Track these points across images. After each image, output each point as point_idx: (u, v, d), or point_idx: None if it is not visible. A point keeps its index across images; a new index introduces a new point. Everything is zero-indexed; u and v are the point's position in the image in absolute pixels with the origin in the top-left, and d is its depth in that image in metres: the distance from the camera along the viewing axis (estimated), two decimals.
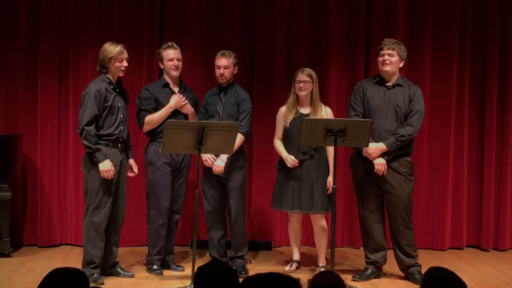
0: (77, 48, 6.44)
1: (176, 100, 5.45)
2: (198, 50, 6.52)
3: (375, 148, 5.22)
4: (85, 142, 5.07)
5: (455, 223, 6.72)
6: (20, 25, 6.39)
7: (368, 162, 5.30)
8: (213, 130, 4.92)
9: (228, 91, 5.60)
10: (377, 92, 5.35)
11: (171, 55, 5.50)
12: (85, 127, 5.05)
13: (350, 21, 6.65)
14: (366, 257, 5.52)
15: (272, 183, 6.55)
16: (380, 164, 5.23)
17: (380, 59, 5.35)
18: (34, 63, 6.42)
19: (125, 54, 5.22)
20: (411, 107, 5.29)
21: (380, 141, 5.24)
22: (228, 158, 5.43)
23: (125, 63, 5.21)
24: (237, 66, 5.68)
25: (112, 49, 5.16)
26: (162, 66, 5.59)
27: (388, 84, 5.35)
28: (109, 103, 5.16)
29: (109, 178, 5.10)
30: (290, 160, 5.45)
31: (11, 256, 5.99)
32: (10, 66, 6.42)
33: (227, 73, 5.57)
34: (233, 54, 5.62)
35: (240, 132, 5.34)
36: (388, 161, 5.27)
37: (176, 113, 5.48)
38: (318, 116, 5.44)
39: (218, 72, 5.59)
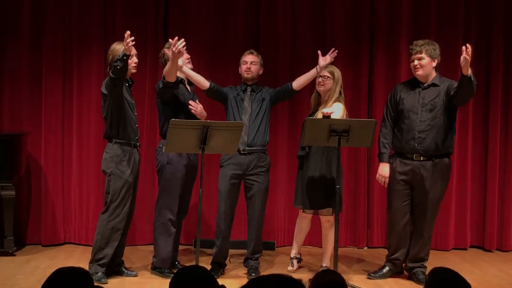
0: (81, 47, 6.45)
1: (175, 47, 5.02)
2: (202, 47, 6.51)
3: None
4: (118, 65, 4.89)
5: (458, 223, 6.71)
6: (24, 25, 6.40)
7: (405, 166, 5.29)
8: (217, 130, 4.92)
9: (255, 90, 5.58)
10: (412, 94, 5.31)
11: None
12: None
13: (355, 19, 6.64)
14: (388, 253, 5.51)
15: (276, 182, 6.58)
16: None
17: (411, 64, 5.32)
18: (38, 62, 6.43)
19: (134, 50, 5.20)
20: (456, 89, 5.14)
21: (414, 143, 5.22)
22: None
23: (135, 59, 5.24)
24: (262, 68, 5.68)
25: (120, 47, 5.12)
26: None
27: (424, 85, 5.31)
28: (129, 99, 5.21)
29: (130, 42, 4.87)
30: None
31: (14, 255, 6.00)
32: (14, 65, 6.43)
33: (254, 69, 5.57)
34: (260, 56, 5.66)
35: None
36: (424, 162, 5.24)
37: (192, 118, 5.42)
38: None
39: (244, 67, 5.57)
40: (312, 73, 5.48)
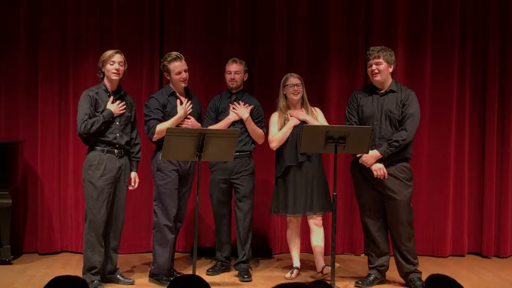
0: (77, 55, 6.45)
1: (183, 109, 5.45)
2: (198, 57, 6.53)
3: (369, 155, 5.22)
4: (92, 130, 5.12)
5: (456, 229, 6.71)
6: (20, 33, 6.40)
7: (366, 169, 5.30)
8: (213, 137, 4.93)
9: (240, 98, 5.73)
10: (371, 100, 5.35)
11: (179, 68, 5.46)
12: (82, 123, 5.13)
13: (350, 25, 6.67)
14: (369, 262, 5.52)
15: (272, 189, 6.56)
16: (378, 169, 5.23)
17: (369, 69, 5.36)
18: (34, 70, 6.43)
19: (118, 58, 5.25)
20: (404, 112, 5.25)
21: (375, 149, 5.24)
22: None
23: (116, 66, 5.23)
24: (247, 74, 5.79)
25: (106, 53, 5.28)
26: (168, 78, 5.53)
27: (381, 92, 5.34)
28: (101, 109, 5.21)
29: (121, 109, 5.24)
30: (295, 118, 5.54)
31: (11, 264, 5.98)
32: (10, 73, 6.43)
33: (238, 78, 5.71)
34: (244, 62, 5.76)
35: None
36: (385, 167, 5.26)
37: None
38: (312, 117, 5.57)
39: (228, 76, 5.72)
40: (247, 124, 5.65)
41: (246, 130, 5.67)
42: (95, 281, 5.14)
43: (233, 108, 5.65)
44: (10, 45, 6.42)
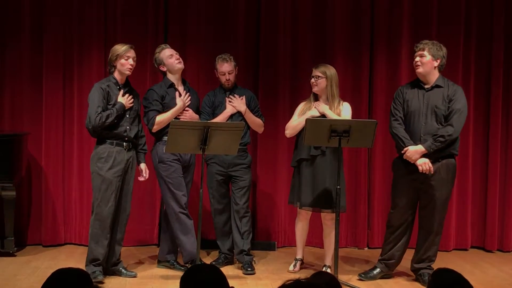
0: (81, 48, 6.45)
1: (182, 101, 5.50)
2: (202, 50, 6.52)
3: (414, 150, 5.15)
4: (106, 123, 5.14)
5: (459, 224, 6.70)
6: (25, 25, 6.40)
7: (411, 166, 5.21)
8: (218, 130, 4.94)
9: (234, 91, 5.76)
10: (417, 95, 5.27)
11: (168, 52, 5.52)
12: (97, 116, 5.12)
13: (355, 20, 6.63)
14: (381, 254, 5.48)
15: (277, 182, 6.56)
16: (423, 163, 5.13)
17: (414, 62, 5.31)
18: (39, 62, 6.43)
19: (132, 53, 5.27)
20: (451, 107, 5.18)
21: (420, 144, 5.18)
22: None
23: (131, 61, 5.26)
24: (237, 67, 5.80)
25: (119, 47, 5.26)
26: (164, 69, 5.57)
27: (427, 86, 5.27)
28: (112, 102, 5.22)
29: (130, 102, 5.27)
30: (315, 109, 5.48)
31: (15, 256, 6.00)
32: (15, 65, 6.43)
33: (232, 77, 5.73)
34: (231, 57, 5.76)
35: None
36: (431, 163, 5.18)
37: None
38: (334, 112, 5.43)
39: (223, 78, 5.72)
40: (247, 116, 5.69)
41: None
42: (97, 271, 5.16)
43: (229, 101, 5.66)
44: (14, 37, 6.41)
